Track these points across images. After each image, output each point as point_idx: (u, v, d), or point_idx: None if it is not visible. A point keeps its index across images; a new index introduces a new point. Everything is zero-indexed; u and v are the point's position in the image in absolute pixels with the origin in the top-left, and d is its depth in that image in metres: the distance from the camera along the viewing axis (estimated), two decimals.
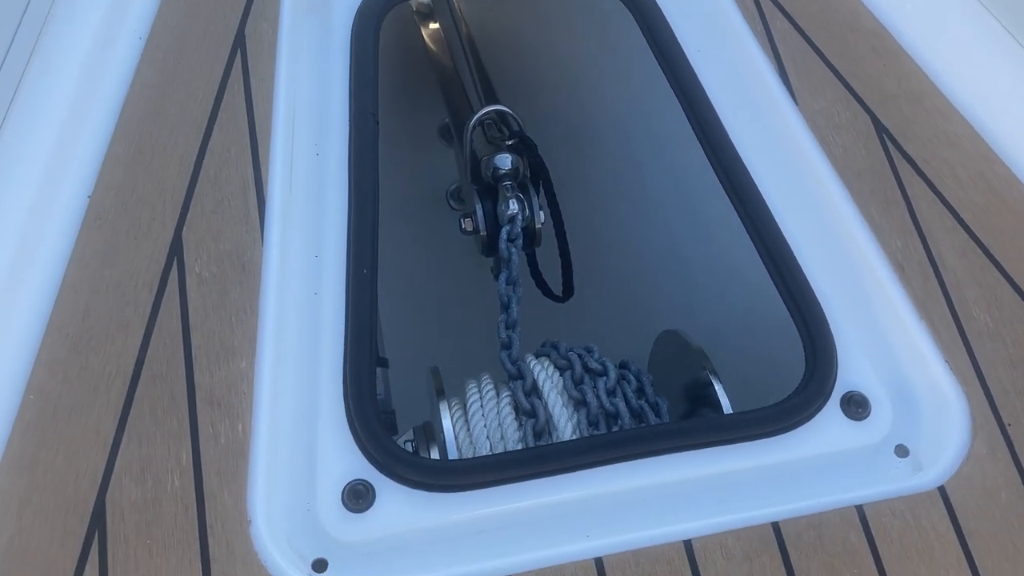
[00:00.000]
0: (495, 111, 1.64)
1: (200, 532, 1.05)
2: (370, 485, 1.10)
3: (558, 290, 1.87)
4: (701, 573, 1.07)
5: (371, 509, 1.09)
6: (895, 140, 1.37)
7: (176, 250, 1.21)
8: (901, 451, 1.18)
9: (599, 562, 1.07)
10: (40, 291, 1.18)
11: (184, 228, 1.23)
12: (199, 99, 1.33)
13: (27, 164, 1.25)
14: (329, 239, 1.27)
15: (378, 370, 1.36)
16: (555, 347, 1.44)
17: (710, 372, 1.36)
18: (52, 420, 1.10)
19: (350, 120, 1.36)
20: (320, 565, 1.07)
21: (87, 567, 1.03)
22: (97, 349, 1.14)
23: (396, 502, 1.09)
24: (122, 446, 1.09)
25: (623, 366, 1.41)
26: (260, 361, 1.15)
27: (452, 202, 2.39)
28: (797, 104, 1.41)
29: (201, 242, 1.22)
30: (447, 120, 2.25)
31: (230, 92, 1.34)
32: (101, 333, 1.16)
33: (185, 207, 1.24)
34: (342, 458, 1.11)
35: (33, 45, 1.33)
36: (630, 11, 1.53)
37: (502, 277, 1.51)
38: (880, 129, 1.38)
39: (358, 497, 1.09)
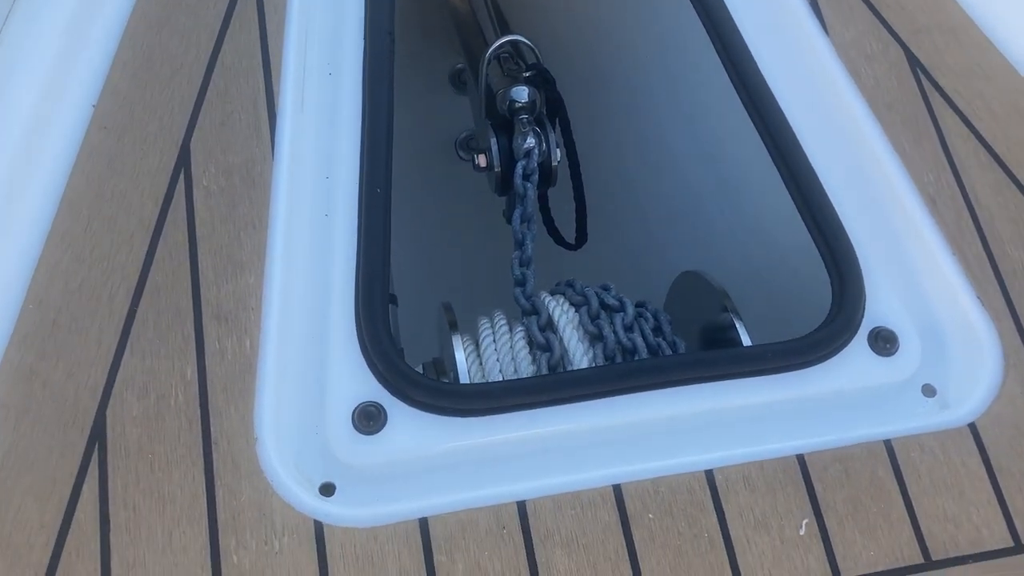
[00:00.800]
0: (512, 43, 1.59)
1: (204, 448, 1.02)
2: (381, 407, 1.06)
3: (570, 238, 1.83)
4: (723, 503, 1.04)
5: (382, 432, 1.05)
6: (928, 72, 1.33)
7: (183, 161, 1.17)
8: (928, 390, 1.14)
9: (617, 489, 1.04)
10: (42, 200, 1.13)
11: (192, 140, 1.19)
12: (210, 8, 1.28)
13: (30, 70, 1.20)
14: (342, 160, 1.23)
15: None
16: (571, 285, 1.40)
17: (732, 312, 1.32)
18: (52, 331, 1.06)
19: (365, 38, 1.31)
20: (327, 489, 1.03)
21: (86, 479, 0.99)
22: (100, 260, 1.10)
23: (408, 425, 1.05)
24: (124, 359, 1.05)
25: (640, 304, 1.37)
26: (269, 277, 1.11)
27: (461, 152, 2.34)
28: (828, 34, 1.36)
29: (209, 154, 1.18)
30: (459, 65, 2.20)
31: (242, 3, 1.29)
32: (104, 244, 1.11)
33: (193, 118, 1.20)
34: (353, 379, 1.07)
35: None
36: None
37: (516, 213, 1.47)
38: (912, 61, 1.34)
39: (369, 419, 1.05)
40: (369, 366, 1.08)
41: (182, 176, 1.16)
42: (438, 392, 1.08)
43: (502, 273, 1.44)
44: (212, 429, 1.02)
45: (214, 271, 1.11)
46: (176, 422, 1.02)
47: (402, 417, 1.06)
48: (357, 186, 1.21)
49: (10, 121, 1.17)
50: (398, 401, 1.07)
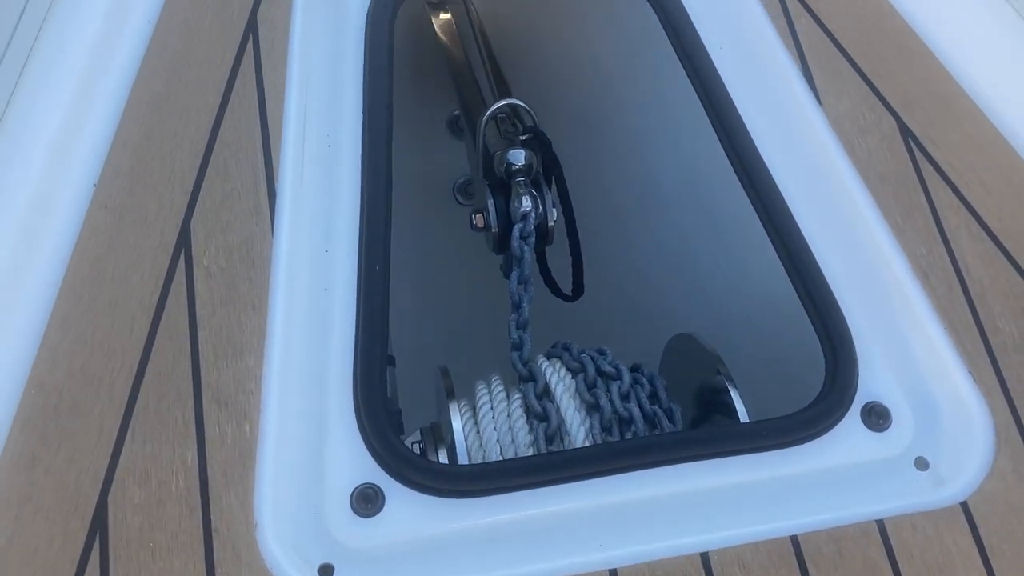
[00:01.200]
0: (509, 105, 1.61)
1: (205, 535, 1.02)
2: (379, 489, 1.07)
3: (568, 289, 1.84)
4: None
5: (380, 514, 1.06)
6: (920, 144, 1.34)
7: (184, 242, 1.18)
8: (921, 464, 1.15)
9: (613, 573, 1.04)
10: (43, 282, 1.14)
11: (192, 219, 1.20)
12: (209, 86, 1.30)
13: (32, 150, 1.21)
14: (340, 234, 1.24)
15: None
16: (567, 349, 1.41)
17: (725, 378, 1.33)
18: (54, 416, 1.07)
19: (364, 112, 1.32)
20: (326, 570, 1.04)
21: (87, 569, 1.00)
22: (101, 342, 1.11)
23: (406, 507, 1.06)
24: (125, 445, 1.06)
25: (636, 369, 1.38)
26: (269, 359, 1.12)
27: (459, 196, 2.36)
28: (821, 105, 1.38)
29: (210, 234, 1.19)
30: (456, 113, 2.22)
31: (241, 80, 1.30)
32: (106, 326, 1.12)
33: (194, 197, 1.21)
34: (351, 461, 1.08)
35: (39, 27, 1.29)
36: (651, 6, 1.49)
37: (514, 276, 1.48)
38: (905, 132, 1.35)
39: (367, 501, 1.06)
40: (367, 447, 1.09)
41: (182, 256, 1.17)
42: (435, 474, 1.09)
43: (501, 326, 1.45)
44: (212, 516, 1.03)
45: (214, 353, 1.12)
46: (177, 509, 1.03)
47: (400, 499, 1.07)
48: (356, 259, 1.22)
49: (13, 201, 1.18)
50: (396, 483, 1.08)
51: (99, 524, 1.02)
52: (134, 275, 1.16)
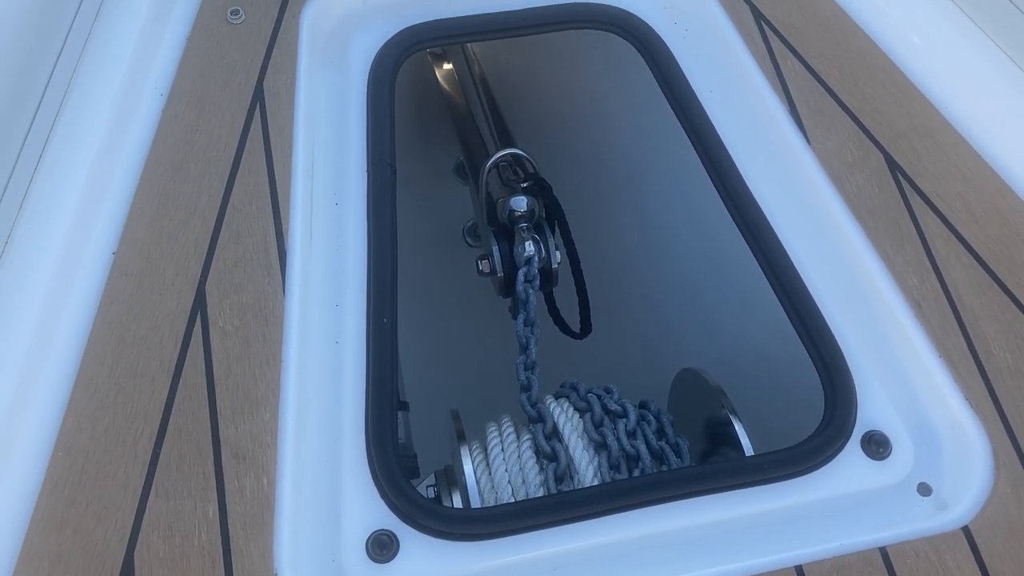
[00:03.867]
0: (510, 154, 1.66)
1: None
2: (394, 535, 1.11)
3: (576, 327, 1.88)
4: None
5: (396, 559, 1.10)
6: (908, 177, 1.38)
7: (200, 304, 1.23)
8: (924, 489, 1.18)
9: None
10: (67, 348, 1.20)
11: (207, 282, 1.25)
12: (220, 153, 1.36)
13: (53, 221, 1.27)
14: (350, 288, 1.29)
15: (399, 414, 1.37)
16: (575, 388, 1.45)
17: (729, 411, 1.37)
18: (80, 477, 1.12)
19: (368, 170, 1.38)
20: None
21: None
22: (124, 405, 1.16)
23: (420, 552, 1.10)
24: (150, 501, 1.11)
25: (643, 406, 1.42)
26: (284, 413, 1.17)
27: (468, 239, 2.41)
28: (809, 143, 1.42)
29: (224, 295, 1.24)
30: (462, 158, 2.28)
31: (250, 146, 1.36)
32: (128, 388, 1.17)
33: (208, 261, 1.27)
34: (366, 508, 1.12)
35: (60, 102, 1.36)
36: (640, 55, 1.54)
37: (520, 319, 1.53)
38: (893, 166, 1.39)
39: (382, 547, 1.10)
40: (381, 495, 1.13)
41: (199, 318, 1.22)
42: (447, 518, 1.13)
43: (510, 367, 1.49)
44: (234, 567, 1.07)
45: (231, 410, 1.16)
46: (200, 562, 1.07)
47: (414, 544, 1.10)
48: (365, 311, 1.27)
49: (37, 271, 1.24)
50: (409, 528, 1.11)
51: None
52: (153, 338, 1.21)
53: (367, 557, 1.10)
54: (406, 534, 1.11)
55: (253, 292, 1.25)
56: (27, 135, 1.29)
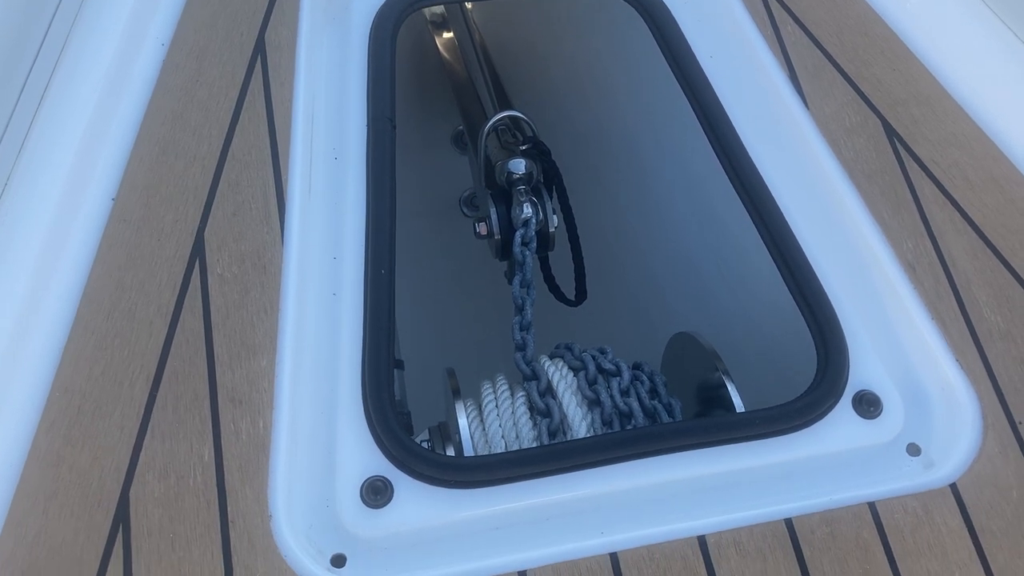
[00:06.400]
0: (509, 116, 1.67)
1: (222, 526, 1.07)
2: (388, 481, 1.12)
3: (571, 295, 1.89)
4: (715, 569, 1.08)
5: (389, 505, 1.10)
6: (905, 143, 1.39)
7: (198, 251, 1.24)
8: (913, 449, 1.19)
9: (614, 557, 1.08)
10: (66, 291, 1.20)
11: (206, 230, 1.26)
12: (220, 104, 1.36)
13: (52, 167, 1.28)
14: (348, 241, 1.30)
15: (394, 372, 1.38)
16: (569, 348, 1.46)
17: (723, 373, 1.38)
18: (77, 417, 1.12)
19: (368, 125, 1.38)
20: (339, 560, 1.08)
21: (111, 560, 1.05)
22: (121, 347, 1.17)
23: (414, 498, 1.11)
24: (145, 443, 1.11)
25: (636, 367, 1.43)
26: (280, 359, 1.17)
27: (465, 209, 2.42)
28: (808, 108, 1.43)
29: (222, 243, 1.25)
30: (460, 127, 2.28)
31: (250, 97, 1.37)
32: (125, 332, 1.18)
33: (207, 209, 1.27)
34: (361, 454, 1.13)
35: (59, 51, 1.36)
36: (643, 19, 1.55)
37: (516, 280, 1.53)
38: (890, 132, 1.40)
39: (376, 493, 1.11)
40: (376, 442, 1.14)
41: (197, 265, 1.23)
42: (441, 465, 1.14)
43: (505, 327, 1.50)
44: (229, 508, 1.08)
45: (228, 355, 1.17)
46: (195, 502, 1.08)
47: (408, 490, 1.11)
48: (363, 265, 1.27)
49: (37, 215, 1.24)
50: (404, 475, 1.12)
51: (122, 517, 1.07)
52: (151, 283, 1.21)
53: (361, 502, 1.10)
54: (400, 480, 1.12)
55: (252, 240, 1.25)
56: (26, 81, 1.29)
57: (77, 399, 1.14)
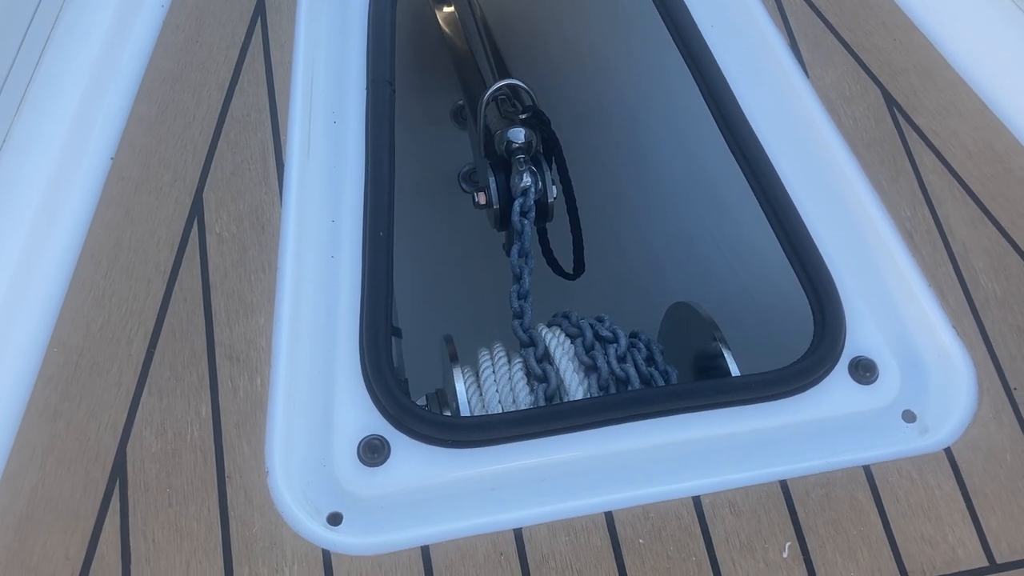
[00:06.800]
0: (509, 85, 1.66)
1: (219, 482, 1.08)
2: (385, 440, 1.12)
3: (569, 268, 1.89)
4: (710, 528, 1.09)
5: (386, 463, 1.11)
6: (904, 112, 1.39)
7: (197, 210, 1.24)
8: (908, 416, 1.19)
9: (609, 516, 1.09)
10: (64, 248, 1.20)
11: (205, 189, 1.26)
12: (220, 64, 1.36)
13: (52, 125, 1.27)
14: (346, 205, 1.30)
15: (392, 339, 1.38)
16: (567, 317, 1.46)
17: (720, 342, 1.38)
18: (75, 373, 1.13)
19: (367, 88, 1.38)
20: (335, 519, 1.09)
21: (108, 514, 1.05)
22: (119, 305, 1.17)
23: (411, 457, 1.11)
24: (143, 399, 1.12)
25: (634, 335, 1.43)
26: (278, 318, 1.17)
27: (464, 184, 2.41)
28: (808, 76, 1.43)
29: (221, 202, 1.25)
30: (460, 102, 2.28)
31: (250, 58, 1.36)
32: (123, 289, 1.18)
33: (206, 169, 1.27)
34: (358, 413, 1.14)
35: (58, 10, 1.36)
36: None
37: (514, 249, 1.53)
38: (890, 101, 1.40)
39: (373, 451, 1.11)
40: (373, 401, 1.14)
41: (195, 224, 1.23)
42: (438, 425, 1.14)
43: (503, 300, 1.50)
44: (226, 463, 1.08)
45: (226, 313, 1.17)
46: (192, 457, 1.09)
47: (405, 449, 1.12)
48: (361, 228, 1.27)
49: (35, 173, 1.24)
50: (400, 434, 1.13)
51: (118, 472, 1.07)
52: (150, 241, 1.21)
53: (358, 460, 1.11)
54: (397, 440, 1.12)
55: (250, 200, 1.25)
56: (24, 39, 1.29)
57: (75, 355, 1.14)
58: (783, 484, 1.12)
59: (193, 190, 1.25)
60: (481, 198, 1.65)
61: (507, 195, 1.62)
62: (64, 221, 1.22)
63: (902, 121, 1.38)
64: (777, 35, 1.47)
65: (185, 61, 1.36)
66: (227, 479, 1.08)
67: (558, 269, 1.89)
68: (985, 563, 1.09)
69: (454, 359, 1.39)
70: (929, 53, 1.45)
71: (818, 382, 1.19)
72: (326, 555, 1.05)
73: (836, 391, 1.19)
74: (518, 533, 1.08)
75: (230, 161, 1.28)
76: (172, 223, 1.23)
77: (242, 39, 1.38)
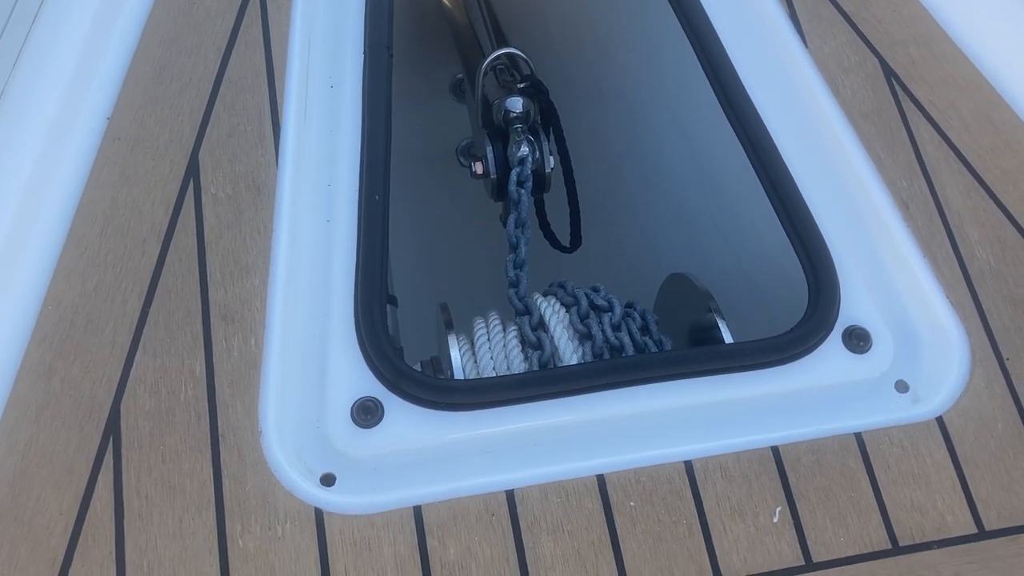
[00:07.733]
0: (507, 54, 1.66)
1: (212, 440, 1.08)
2: (379, 402, 1.12)
3: (566, 241, 1.89)
4: (700, 491, 1.09)
5: (379, 425, 1.11)
6: (903, 83, 1.39)
7: (193, 171, 1.24)
8: (901, 386, 1.20)
9: (600, 479, 1.09)
10: (60, 207, 1.20)
11: (201, 150, 1.25)
12: (217, 25, 1.35)
13: (48, 85, 1.27)
14: (342, 170, 1.30)
15: (387, 307, 1.38)
16: (562, 286, 1.46)
17: (715, 312, 1.38)
18: (69, 330, 1.13)
19: (364, 53, 1.38)
20: (328, 479, 1.09)
21: (102, 470, 1.05)
22: (114, 263, 1.17)
23: (404, 419, 1.12)
24: (137, 357, 1.12)
25: (629, 305, 1.43)
26: (273, 279, 1.18)
27: (462, 158, 2.41)
28: (807, 47, 1.42)
29: (217, 164, 1.25)
30: (459, 76, 2.27)
31: (248, 19, 1.36)
32: (118, 248, 1.18)
33: (202, 130, 1.27)
34: (352, 375, 1.14)
35: None
36: None
37: (511, 219, 1.53)
38: (888, 72, 1.40)
39: (367, 413, 1.11)
40: (367, 363, 1.15)
41: (191, 185, 1.22)
42: (432, 387, 1.14)
43: (499, 274, 1.50)
44: (219, 422, 1.09)
45: (221, 274, 1.17)
46: (185, 416, 1.09)
47: (398, 411, 1.12)
48: (357, 193, 1.27)
49: (31, 132, 1.24)
50: (394, 396, 1.13)
51: (112, 429, 1.08)
52: (145, 202, 1.21)
53: (351, 421, 1.11)
54: (391, 401, 1.13)
55: (246, 162, 1.25)
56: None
57: (69, 313, 1.14)
58: (775, 450, 1.13)
59: (189, 151, 1.25)
60: (478, 168, 1.65)
61: (504, 165, 1.62)
62: (60, 180, 1.22)
63: (900, 92, 1.38)
64: (776, 6, 1.46)
65: (183, 23, 1.36)
66: (220, 438, 1.08)
67: (555, 242, 1.89)
68: (974, 530, 1.10)
69: (449, 326, 1.40)
70: (928, 24, 1.44)
71: (812, 350, 1.20)
72: (318, 514, 1.05)
73: (829, 360, 1.20)
74: (510, 494, 1.08)
75: (227, 123, 1.28)
76: (168, 184, 1.23)
77: (240, 1, 1.38)
